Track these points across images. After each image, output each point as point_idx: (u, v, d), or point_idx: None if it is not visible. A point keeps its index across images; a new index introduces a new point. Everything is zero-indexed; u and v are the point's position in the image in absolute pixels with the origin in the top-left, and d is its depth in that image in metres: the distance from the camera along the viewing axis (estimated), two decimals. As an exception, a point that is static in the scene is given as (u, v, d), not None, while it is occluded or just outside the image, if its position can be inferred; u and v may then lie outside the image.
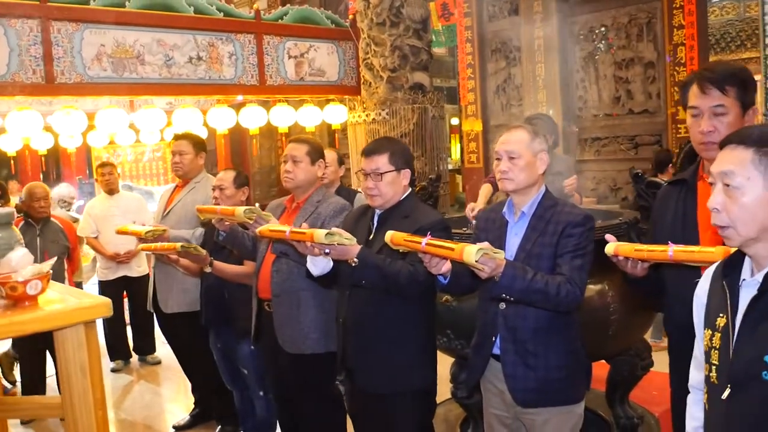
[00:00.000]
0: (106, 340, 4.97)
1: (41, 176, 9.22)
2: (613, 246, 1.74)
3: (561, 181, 3.31)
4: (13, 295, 1.62)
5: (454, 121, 11.94)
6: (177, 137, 3.74)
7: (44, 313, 1.61)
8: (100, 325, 2.17)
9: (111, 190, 5.01)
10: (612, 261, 1.80)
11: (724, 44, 13.04)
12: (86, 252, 5.54)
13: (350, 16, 6.76)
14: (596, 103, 6.79)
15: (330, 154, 3.75)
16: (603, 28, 6.72)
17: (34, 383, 4.21)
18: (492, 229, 2.13)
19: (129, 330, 5.27)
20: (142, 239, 3.09)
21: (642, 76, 6.48)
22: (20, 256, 1.68)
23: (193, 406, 3.92)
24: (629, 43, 6.53)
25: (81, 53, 5.13)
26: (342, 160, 3.83)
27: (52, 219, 4.17)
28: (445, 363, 2.43)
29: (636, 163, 5.34)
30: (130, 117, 6.60)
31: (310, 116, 6.71)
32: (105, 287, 4.92)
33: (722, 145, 1.29)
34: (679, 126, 6.12)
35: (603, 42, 6.73)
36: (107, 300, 1.68)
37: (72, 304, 1.65)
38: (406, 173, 2.34)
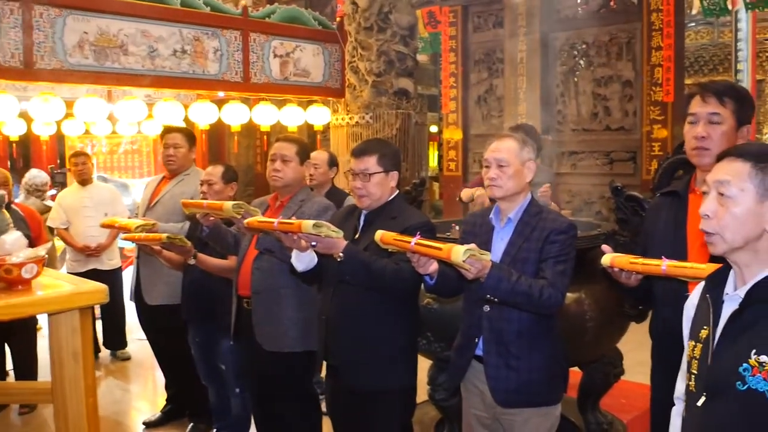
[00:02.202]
0: None
1: (9, 163, 9.01)
2: (609, 257, 1.80)
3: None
4: (7, 278, 1.60)
5: (432, 128, 12.07)
6: (169, 130, 3.67)
7: (40, 296, 1.61)
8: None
9: (84, 181, 4.83)
10: (595, 270, 1.87)
11: (697, 67, 13.45)
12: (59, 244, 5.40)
13: (338, 19, 6.79)
14: (575, 118, 6.95)
15: (321, 155, 3.75)
16: (584, 46, 6.88)
17: None
18: (479, 234, 2.18)
19: (99, 324, 5.16)
20: (130, 233, 3.04)
21: (620, 93, 6.66)
22: (14, 239, 1.66)
23: (164, 403, 3.87)
24: (609, 61, 6.71)
25: (62, 39, 5.05)
26: (334, 161, 3.80)
27: (13, 207, 4.03)
28: (421, 366, 2.45)
29: (610, 178, 5.50)
30: (109, 107, 6.50)
31: (293, 116, 6.72)
32: None
33: (721, 157, 1.36)
34: (653, 144, 6.31)
35: (583, 59, 6.89)
36: (103, 286, 1.68)
37: (68, 289, 1.64)
38: (394, 175, 2.37)
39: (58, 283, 1.72)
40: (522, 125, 4.35)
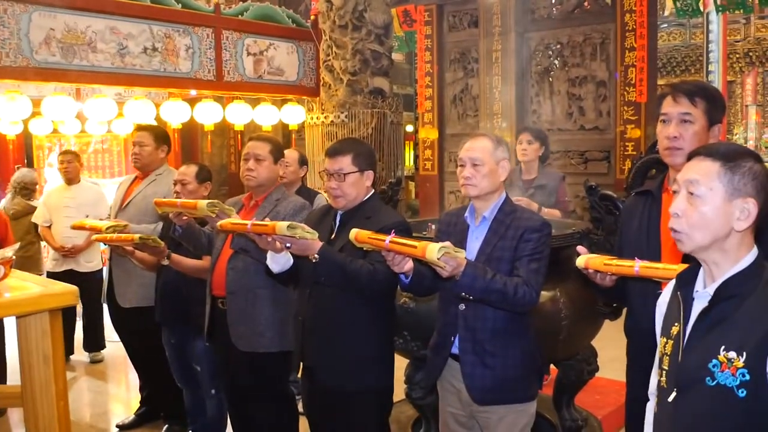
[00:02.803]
0: None
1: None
2: (584, 259, 1.82)
3: (543, 194, 3.45)
4: None
5: (408, 128, 12.09)
6: (139, 128, 3.66)
7: (8, 299, 1.56)
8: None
9: (70, 180, 4.80)
10: (570, 268, 1.88)
11: (670, 68, 13.74)
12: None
13: (312, 17, 6.74)
14: (549, 118, 7.01)
15: (291, 154, 3.73)
16: (558, 46, 6.95)
17: None
18: (454, 233, 2.19)
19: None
20: (100, 234, 2.99)
21: (594, 94, 6.74)
22: (-21, 241, 1.62)
23: (138, 405, 3.82)
24: (583, 61, 6.78)
25: (28, 36, 4.91)
26: (304, 160, 3.81)
27: None
28: (398, 365, 2.46)
29: (585, 177, 5.56)
30: (78, 106, 6.36)
31: (267, 115, 6.64)
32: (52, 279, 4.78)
33: (691, 156, 1.38)
34: (626, 144, 6.40)
35: (558, 59, 6.96)
36: (74, 288, 1.64)
37: (37, 290, 1.60)
38: (369, 175, 2.36)
39: (27, 285, 1.68)
40: (529, 127, 4.39)
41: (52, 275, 4.78)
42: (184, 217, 2.69)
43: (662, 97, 1.94)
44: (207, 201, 2.53)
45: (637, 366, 1.97)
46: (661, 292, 1.52)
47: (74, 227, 3.19)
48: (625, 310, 2.15)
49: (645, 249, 1.85)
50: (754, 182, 1.29)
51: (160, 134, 3.57)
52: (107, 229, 2.93)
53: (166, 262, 2.90)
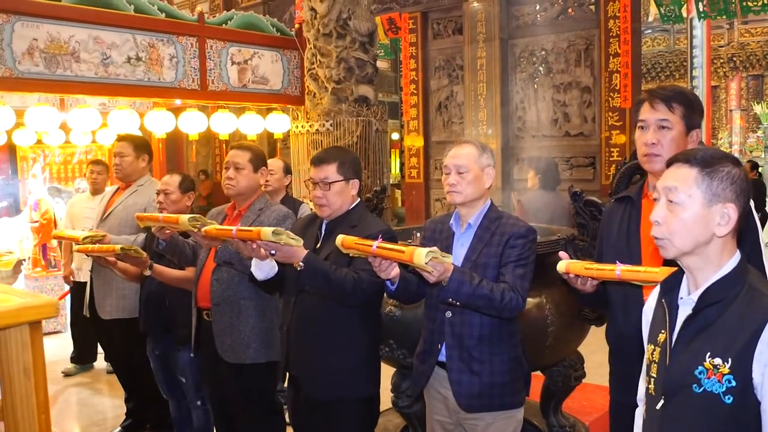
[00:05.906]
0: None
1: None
2: (564, 264, 1.82)
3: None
4: None
5: (394, 136, 12.13)
6: (119, 138, 3.65)
7: (-12, 312, 1.53)
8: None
9: (95, 190, 4.70)
10: (556, 275, 1.88)
11: (654, 73, 13.89)
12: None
13: (296, 26, 6.75)
14: (534, 124, 7.06)
15: (276, 163, 3.75)
16: (543, 52, 7.01)
17: None
18: (439, 240, 2.19)
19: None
20: (79, 245, 2.97)
21: (579, 100, 6.80)
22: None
23: (124, 416, 3.78)
24: (567, 67, 6.84)
25: (11, 46, 4.87)
26: (289, 169, 3.82)
27: None
28: (384, 373, 2.45)
29: (570, 183, 5.60)
30: (62, 116, 6.30)
31: (252, 124, 6.62)
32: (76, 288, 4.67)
33: (669, 163, 1.37)
34: (611, 149, 6.46)
35: (543, 65, 7.01)
36: (53, 300, 1.62)
37: (17, 303, 1.58)
38: (355, 183, 2.36)
39: (6, 297, 1.65)
40: (542, 159, 4.49)
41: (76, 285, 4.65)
42: (167, 231, 2.67)
43: (640, 104, 1.93)
44: (189, 215, 2.50)
45: (618, 372, 1.96)
46: (642, 299, 1.52)
47: (54, 237, 3.17)
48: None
49: (625, 254, 1.84)
50: (732, 186, 1.29)
51: (139, 143, 3.55)
52: (84, 239, 2.90)
53: (148, 273, 2.87)
